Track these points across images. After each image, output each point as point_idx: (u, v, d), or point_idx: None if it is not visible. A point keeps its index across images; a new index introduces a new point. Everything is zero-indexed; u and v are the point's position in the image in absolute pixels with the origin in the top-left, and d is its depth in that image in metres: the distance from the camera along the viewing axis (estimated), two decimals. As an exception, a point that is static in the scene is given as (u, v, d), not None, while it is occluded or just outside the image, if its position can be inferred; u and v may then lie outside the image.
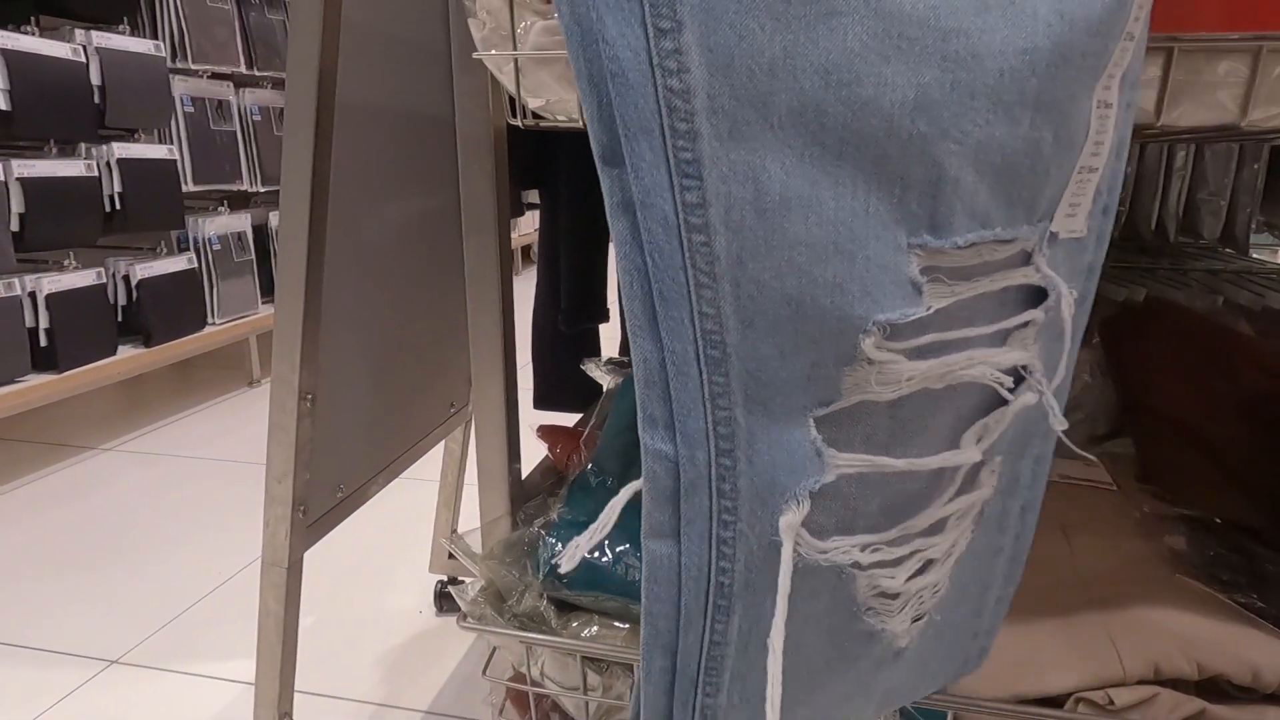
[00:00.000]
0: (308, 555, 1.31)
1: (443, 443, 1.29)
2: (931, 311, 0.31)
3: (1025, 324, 0.35)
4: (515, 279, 0.69)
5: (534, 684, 0.58)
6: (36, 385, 1.74)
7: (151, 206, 1.98)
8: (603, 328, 1.30)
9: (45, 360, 1.78)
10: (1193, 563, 0.67)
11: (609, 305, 1.21)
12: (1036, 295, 0.35)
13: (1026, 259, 0.34)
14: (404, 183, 0.92)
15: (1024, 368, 0.35)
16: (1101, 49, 0.31)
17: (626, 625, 0.56)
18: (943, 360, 0.32)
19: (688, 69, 0.28)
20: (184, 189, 2.10)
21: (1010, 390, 0.35)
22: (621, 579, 0.57)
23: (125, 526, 1.54)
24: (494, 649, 0.61)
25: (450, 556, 1.28)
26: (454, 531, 1.27)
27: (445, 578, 1.30)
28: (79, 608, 1.27)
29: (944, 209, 0.30)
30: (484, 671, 0.59)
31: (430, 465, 1.32)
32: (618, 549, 0.58)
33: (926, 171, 0.30)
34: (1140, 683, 0.57)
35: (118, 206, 1.90)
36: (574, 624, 0.58)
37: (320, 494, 0.82)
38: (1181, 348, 0.85)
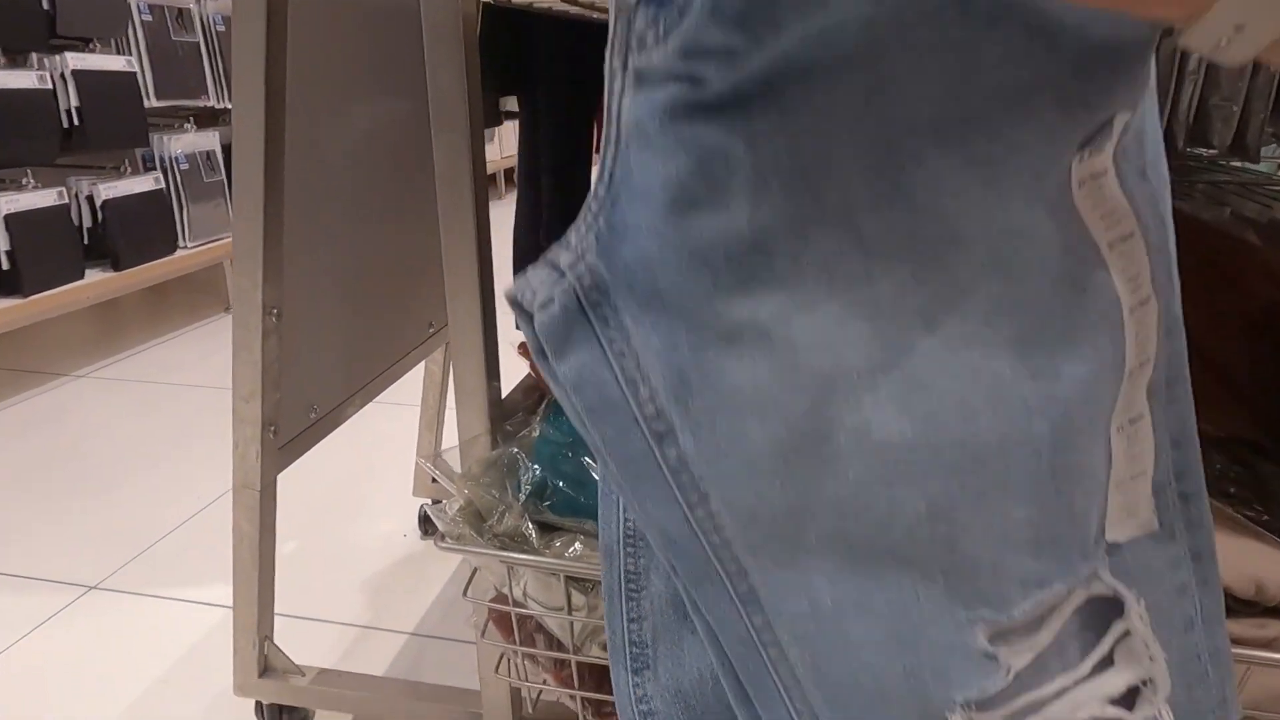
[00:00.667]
0: (287, 481, 1.28)
1: (423, 364, 1.25)
2: (1013, 675, 0.31)
3: (1124, 635, 0.34)
4: (496, 203, 0.64)
5: (516, 605, 0.56)
6: (1, 310, 1.68)
7: (112, 122, 1.88)
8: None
9: (9, 284, 1.72)
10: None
11: (593, 221, 1.17)
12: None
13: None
14: (370, 82, 0.86)
15: (1143, 682, 0.34)
16: (1101, 399, 0.32)
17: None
18: (1045, 716, 0.32)
19: (722, 527, 0.32)
20: (146, 104, 2.00)
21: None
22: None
23: (100, 453, 1.51)
24: (475, 570, 0.58)
25: (434, 481, 1.26)
26: (437, 454, 1.25)
27: (429, 501, 1.28)
28: (55, 534, 1.25)
29: (991, 587, 0.31)
30: (465, 593, 0.57)
31: (411, 389, 1.29)
32: (595, 475, 0.55)
33: (960, 562, 0.31)
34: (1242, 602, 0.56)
35: (76, 122, 1.80)
36: (557, 543, 0.56)
37: (292, 415, 0.79)
38: (1184, 259, 0.82)
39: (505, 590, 0.57)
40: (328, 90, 0.78)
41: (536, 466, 0.57)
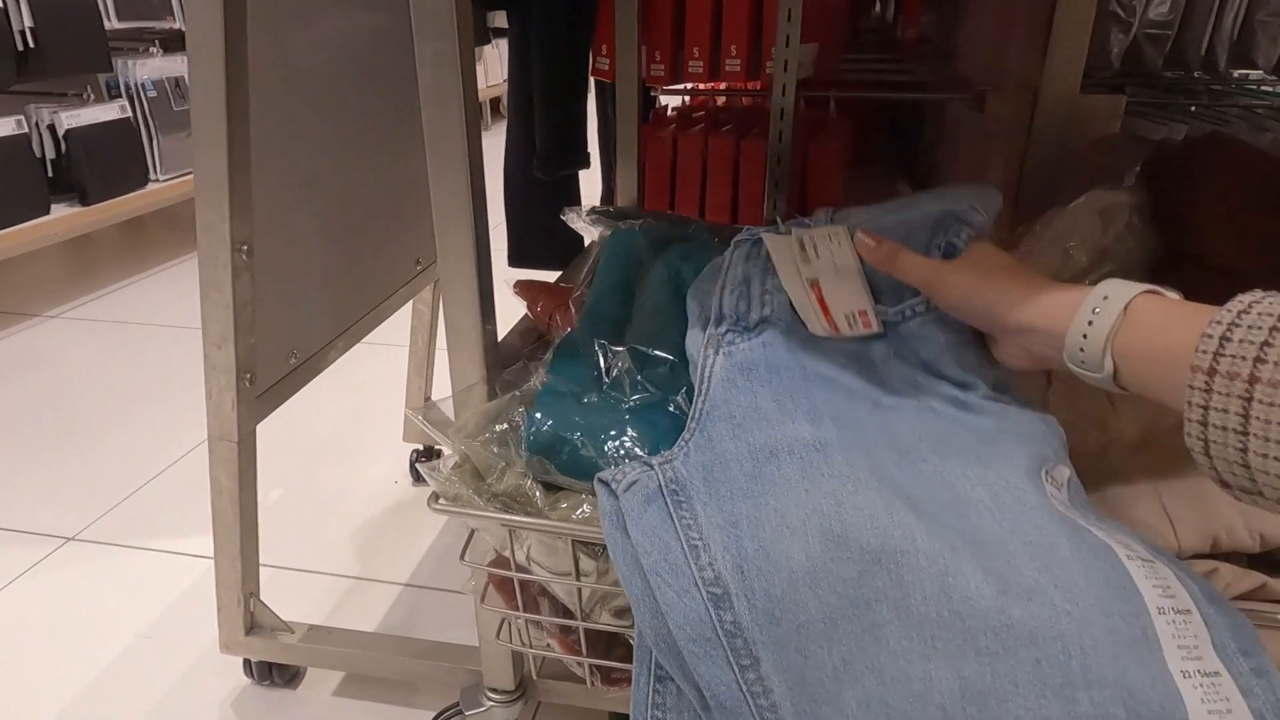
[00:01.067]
0: (272, 427, 1.23)
1: (410, 303, 1.19)
2: None
3: None
4: (484, 135, 0.58)
5: (519, 569, 0.51)
6: (-38, 247, 1.60)
7: (70, 45, 1.76)
8: (584, 175, 1.18)
9: (-31, 219, 1.63)
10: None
11: (589, 149, 1.09)
12: None
13: None
14: (345, -7, 0.77)
15: None
16: (1136, 613, 0.35)
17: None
18: None
19: (771, 690, 0.36)
20: (107, 26, 1.87)
21: None
22: (615, 464, 0.49)
23: (75, 397, 1.45)
24: (472, 531, 0.53)
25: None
26: (427, 400, 1.19)
27: (421, 447, 1.23)
28: (29, 483, 1.20)
29: None
30: (462, 556, 0.52)
31: (400, 329, 1.23)
32: (612, 433, 0.50)
33: None
34: (1196, 557, 0.52)
35: (31, 44, 1.68)
36: (563, 505, 0.50)
37: (269, 360, 0.73)
38: (1236, 188, 0.76)
39: (507, 554, 0.52)
40: (296, -2, 0.70)
41: (541, 417, 0.51)
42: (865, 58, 1.41)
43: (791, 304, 0.51)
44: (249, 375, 0.69)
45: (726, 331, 0.50)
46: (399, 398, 1.42)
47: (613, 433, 0.50)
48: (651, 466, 0.43)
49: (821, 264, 0.54)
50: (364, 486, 1.19)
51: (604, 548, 0.50)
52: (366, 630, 0.90)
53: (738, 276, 0.54)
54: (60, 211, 1.81)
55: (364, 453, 1.28)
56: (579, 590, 0.51)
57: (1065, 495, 0.44)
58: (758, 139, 1.09)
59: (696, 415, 0.46)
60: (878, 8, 1.97)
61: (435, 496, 0.50)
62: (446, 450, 0.53)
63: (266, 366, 0.72)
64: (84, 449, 1.29)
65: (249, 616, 0.80)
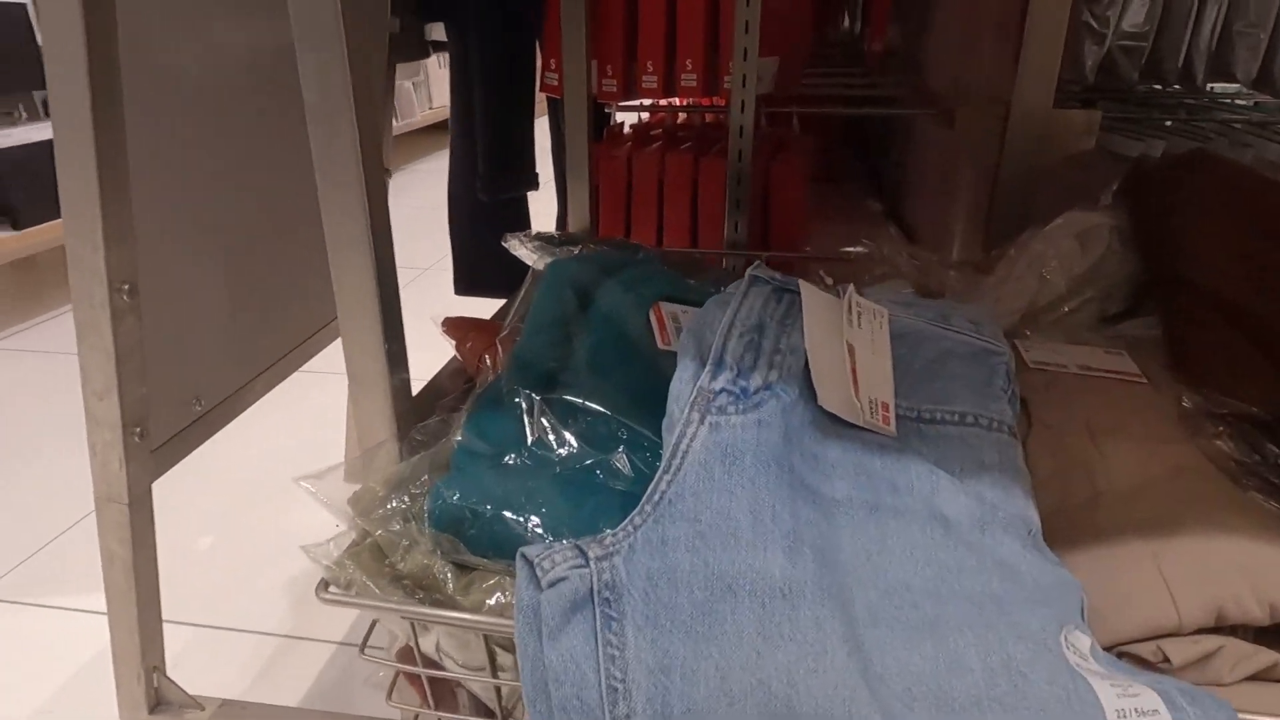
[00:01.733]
0: (204, 464, 1.14)
1: (349, 336, 1.11)
2: None
3: None
4: (433, 157, 0.50)
5: (428, 663, 0.44)
6: (-123, 276, 1.49)
7: (0, 62, 1.67)
8: (537, 197, 1.11)
9: (-115, 246, 1.52)
10: (1248, 469, 0.55)
11: (536, 169, 1.02)
12: None
13: None
14: None
15: None
16: None
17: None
18: None
19: None
20: (39, 40, 1.78)
21: None
22: (539, 541, 0.42)
23: (2, 434, 1.35)
24: (374, 620, 0.46)
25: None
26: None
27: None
28: (-65, 534, 1.10)
29: None
30: (362, 648, 0.45)
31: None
32: (531, 505, 0.43)
33: None
34: (1200, 631, 0.46)
35: (-45, 61, 1.59)
36: (478, 586, 0.43)
37: (167, 410, 0.65)
38: (1225, 207, 0.71)
39: (413, 644, 0.44)
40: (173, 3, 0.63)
41: (448, 487, 0.44)
42: (831, 71, 1.36)
43: (806, 368, 0.43)
44: (139, 429, 0.61)
45: (721, 391, 0.41)
46: (340, 431, 1.33)
47: (533, 504, 0.43)
48: (586, 561, 0.35)
49: (862, 334, 0.46)
50: (301, 533, 1.10)
51: (523, 640, 0.43)
52: (289, 702, 0.82)
53: (750, 320, 0.46)
54: (-11, 236, 1.72)
55: (300, 494, 1.19)
56: (497, 689, 0.44)
57: (1094, 665, 0.37)
58: (717, 157, 1.03)
59: (656, 498, 0.37)
60: (845, 21, 1.93)
61: (324, 584, 0.43)
62: (342, 525, 0.46)
63: (163, 417, 0.64)
64: (-1, 494, 1.19)
65: (152, 693, 0.71)
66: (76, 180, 0.52)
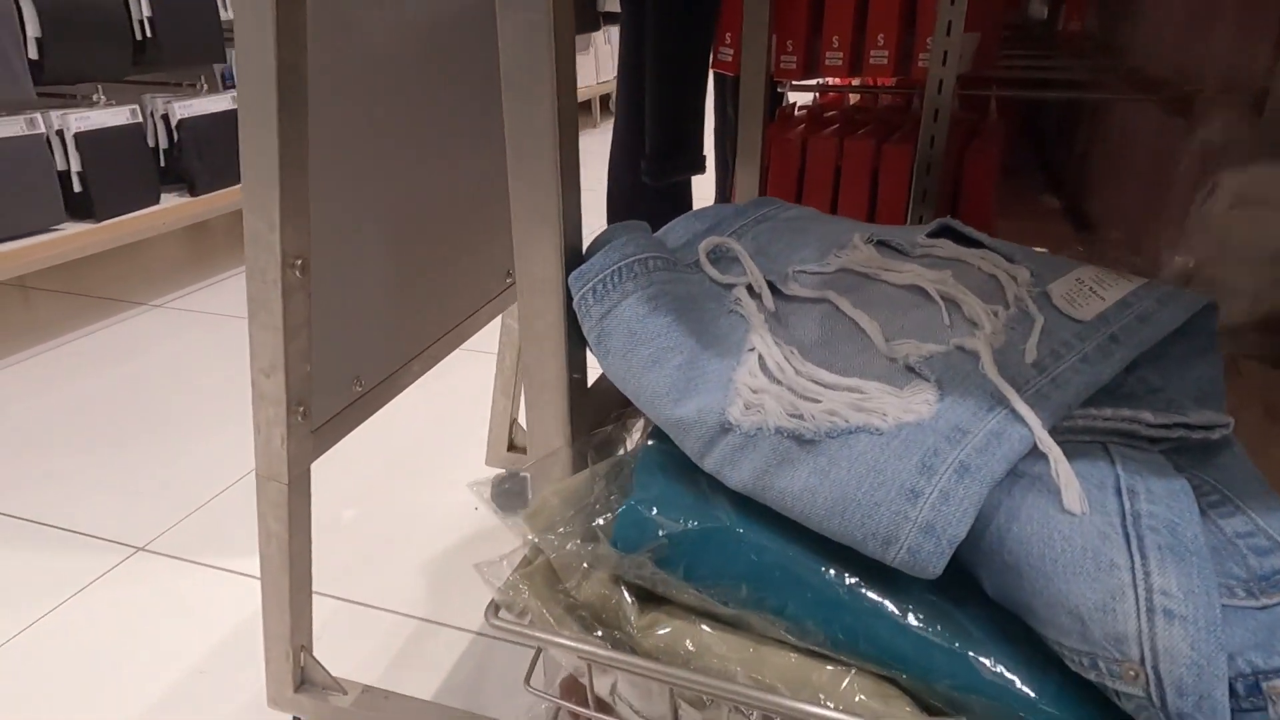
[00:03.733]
0: (354, 437, 1.15)
1: (500, 318, 1.09)
2: None
3: None
4: (590, 133, 0.46)
5: (600, 707, 0.39)
6: (73, 235, 1.61)
7: (187, 35, 1.76)
8: (697, 182, 1.05)
9: (81, 207, 1.63)
10: None
11: (705, 151, 0.96)
12: None
13: None
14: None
15: None
16: None
17: (748, 640, 0.36)
18: None
19: None
20: (223, 16, 1.87)
21: None
22: (752, 560, 0.36)
23: (164, 394, 1.42)
24: (539, 651, 0.41)
25: (510, 447, 1.11)
26: (514, 422, 1.09)
27: (505, 472, 1.13)
28: (107, 484, 1.16)
29: None
30: (527, 680, 0.40)
31: (496, 334, 1.13)
32: (749, 517, 0.37)
33: None
34: None
35: (148, 34, 1.68)
36: (665, 626, 0.38)
37: (329, 391, 0.63)
38: None
39: (584, 680, 0.40)
40: (376, -31, 0.59)
41: (647, 503, 0.39)
42: (1017, 53, 1.22)
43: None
44: (301, 408, 0.59)
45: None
46: (487, 411, 1.32)
47: (754, 529, 0.37)
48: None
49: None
50: (441, 512, 1.10)
51: (713, 699, 0.37)
52: (427, 691, 0.80)
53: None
54: (170, 201, 1.82)
55: (446, 471, 1.19)
56: (677, 745, 0.38)
57: None
58: (902, 144, 0.94)
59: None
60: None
61: (495, 607, 0.38)
62: (517, 540, 0.41)
63: (325, 397, 0.63)
64: (164, 450, 1.25)
65: (298, 672, 0.70)
66: (257, 159, 0.50)
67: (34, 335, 1.64)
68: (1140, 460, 0.36)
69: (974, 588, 0.36)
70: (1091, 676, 0.32)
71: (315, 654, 0.71)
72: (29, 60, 1.48)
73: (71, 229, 1.62)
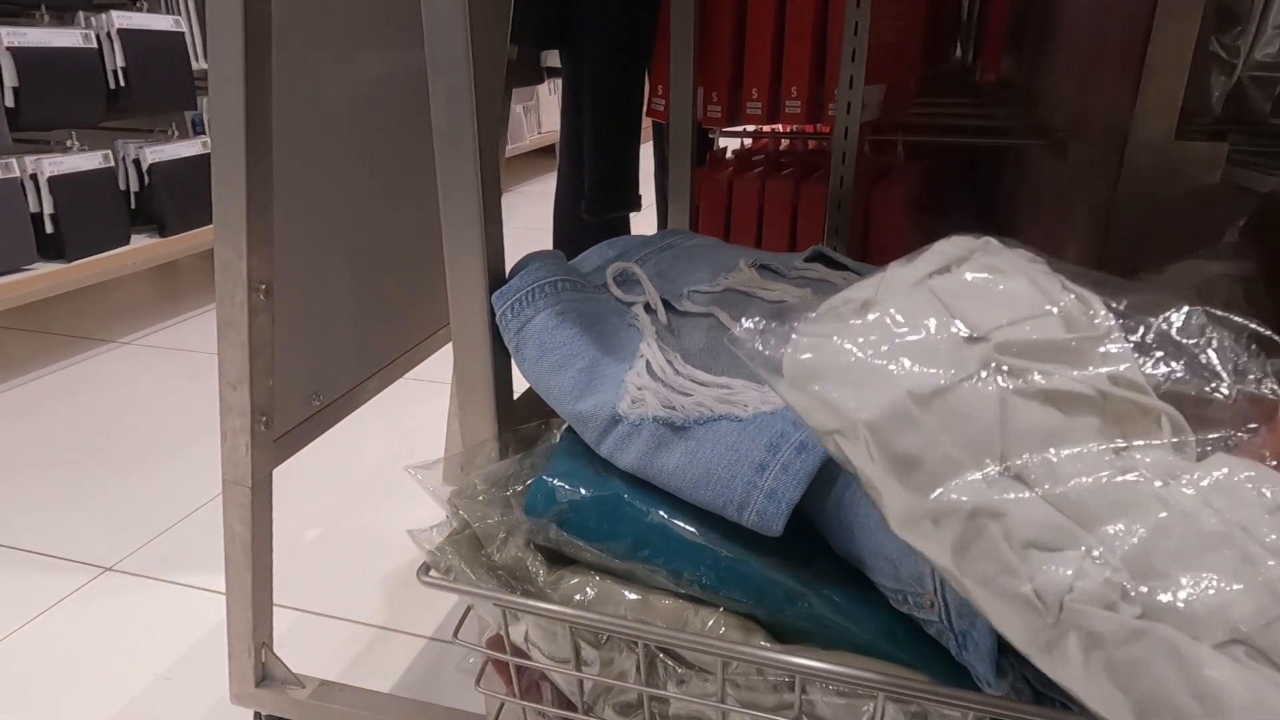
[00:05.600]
0: (317, 463, 1.21)
1: (450, 346, 1.16)
2: None
3: None
4: (540, 179, 0.55)
5: (517, 652, 0.46)
6: (44, 274, 1.66)
7: (159, 84, 1.84)
8: (643, 218, 1.14)
9: (53, 248, 1.69)
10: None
11: (640, 191, 1.05)
12: None
13: None
14: (385, 22, 0.76)
15: None
16: None
17: (633, 594, 0.44)
18: None
19: None
20: (195, 66, 1.95)
21: None
22: (637, 523, 0.44)
23: (132, 424, 1.47)
24: (468, 608, 0.49)
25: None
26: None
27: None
28: (79, 509, 1.21)
29: None
30: (455, 633, 0.48)
31: (449, 366, 1.21)
32: (636, 489, 0.45)
33: None
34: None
35: (122, 83, 1.76)
36: (569, 581, 0.45)
37: (289, 403, 0.70)
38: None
39: (503, 633, 0.47)
40: (329, 29, 0.68)
41: (553, 477, 0.47)
42: (943, 100, 1.34)
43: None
44: (265, 419, 0.66)
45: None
46: (443, 438, 1.39)
47: (629, 492, 0.45)
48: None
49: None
50: (399, 530, 1.16)
51: (608, 636, 0.45)
52: (382, 688, 0.86)
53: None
54: (139, 242, 1.88)
55: (405, 495, 1.25)
56: (579, 681, 0.46)
57: None
58: (818, 183, 1.04)
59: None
60: (958, 50, 1.90)
61: (425, 567, 0.46)
62: (444, 514, 0.49)
63: (286, 409, 0.70)
64: (134, 475, 1.30)
65: (259, 668, 0.76)
66: (228, 194, 0.58)
67: (2, 372, 1.68)
68: None
69: (823, 547, 0.44)
70: (904, 609, 0.40)
71: (278, 657, 0.77)
72: (6, 108, 1.55)
73: (42, 269, 1.67)
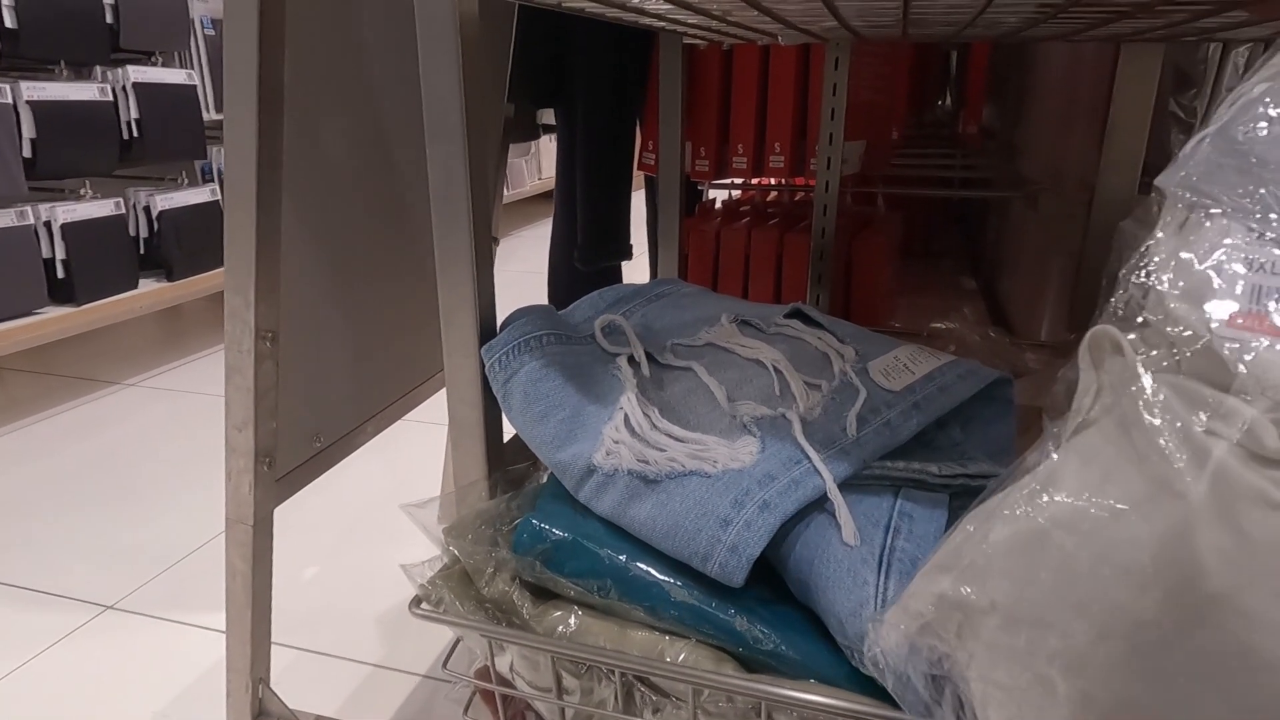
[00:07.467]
0: (316, 504, 1.24)
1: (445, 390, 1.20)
2: None
3: None
4: (535, 226, 0.59)
5: (501, 682, 0.49)
6: (55, 318, 1.70)
7: (171, 134, 1.90)
8: (636, 265, 1.18)
9: (63, 292, 1.74)
10: None
11: (631, 241, 1.10)
12: None
13: None
14: (387, 81, 0.81)
15: None
16: None
17: (612, 626, 0.47)
18: None
19: None
20: (205, 117, 2.02)
21: None
22: (613, 564, 0.47)
23: (135, 465, 1.50)
24: (457, 639, 0.51)
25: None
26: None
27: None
28: (79, 548, 1.23)
29: None
30: (444, 664, 0.50)
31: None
32: (614, 533, 0.48)
33: None
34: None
35: (135, 134, 1.83)
36: (552, 614, 0.48)
37: (291, 444, 0.74)
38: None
39: (489, 663, 0.49)
40: (336, 90, 0.73)
41: (539, 518, 0.50)
42: (928, 152, 1.40)
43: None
44: (268, 459, 0.70)
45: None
46: (440, 478, 1.42)
47: (608, 537, 0.48)
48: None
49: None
50: (395, 569, 1.18)
51: (588, 666, 0.47)
52: (376, 724, 0.88)
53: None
54: (147, 286, 1.92)
55: (402, 534, 1.27)
56: (562, 710, 0.48)
57: None
58: (802, 233, 1.08)
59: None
60: (946, 98, 1.97)
61: (417, 600, 0.48)
62: (436, 550, 0.52)
63: (288, 450, 0.73)
64: (136, 515, 1.32)
65: (256, 703, 0.78)
66: (239, 247, 0.62)
67: (9, 413, 1.72)
68: (920, 500, 0.47)
69: (784, 590, 0.47)
70: (854, 664, 0.43)
71: (275, 692, 0.79)
72: (23, 159, 1.60)
73: (52, 312, 1.71)
